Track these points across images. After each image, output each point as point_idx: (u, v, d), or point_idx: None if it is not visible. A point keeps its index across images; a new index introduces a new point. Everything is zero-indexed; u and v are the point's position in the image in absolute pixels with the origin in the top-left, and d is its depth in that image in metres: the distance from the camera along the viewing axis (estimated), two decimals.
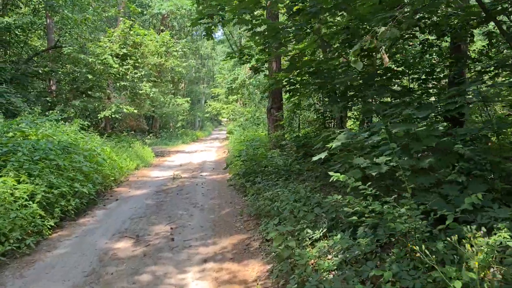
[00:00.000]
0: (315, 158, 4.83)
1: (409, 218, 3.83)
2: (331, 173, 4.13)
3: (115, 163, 13.08)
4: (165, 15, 32.10)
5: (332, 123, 13.22)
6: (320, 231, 5.19)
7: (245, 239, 6.74)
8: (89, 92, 20.72)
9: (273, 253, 5.25)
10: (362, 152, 4.92)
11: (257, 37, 8.63)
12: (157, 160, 19.88)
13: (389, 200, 4.10)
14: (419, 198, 4.32)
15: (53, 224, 7.57)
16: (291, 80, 9.76)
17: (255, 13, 8.31)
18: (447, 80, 9.37)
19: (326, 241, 5.04)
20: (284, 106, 15.42)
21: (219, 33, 74.40)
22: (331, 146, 4.64)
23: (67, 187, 8.67)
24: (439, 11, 7.74)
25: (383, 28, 3.95)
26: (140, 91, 19.48)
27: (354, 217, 4.20)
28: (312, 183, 8.79)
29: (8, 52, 19.37)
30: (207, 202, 9.74)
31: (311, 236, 5.24)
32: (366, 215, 4.19)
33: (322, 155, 4.73)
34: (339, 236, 4.74)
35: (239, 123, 32.34)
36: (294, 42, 9.36)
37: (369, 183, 4.22)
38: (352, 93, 8.26)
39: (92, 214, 8.94)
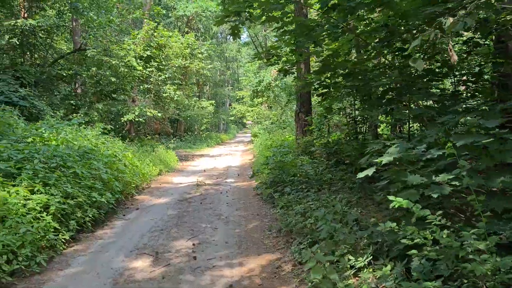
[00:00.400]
0: (361, 175, 4.08)
1: (483, 254, 3.06)
2: (390, 197, 3.39)
3: (136, 169, 12.56)
4: (190, 17, 31.72)
5: (364, 129, 12.39)
6: (364, 258, 4.44)
7: (274, 260, 6.03)
8: (113, 95, 20.38)
9: (310, 283, 4.51)
10: (415, 167, 4.14)
11: (287, 36, 7.92)
12: (181, 164, 19.36)
13: (454, 229, 3.33)
14: (490, 226, 3.53)
15: (68, 238, 7.02)
16: (323, 82, 9.01)
17: (286, 9, 7.60)
18: (490, 82, 8.45)
19: (371, 271, 4.28)
20: (312, 110, 14.65)
21: (244, 36, 74.20)
22: (380, 162, 3.89)
23: (84, 197, 8.13)
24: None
25: (451, 19, 3.20)
26: (164, 94, 18.99)
27: (413, 251, 3.44)
28: (346, 195, 8.02)
29: (34, 55, 19.20)
30: (232, 214, 9.07)
31: (353, 263, 4.50)
32: (427, 247, 3.43)
33: (370, 172, 3.99)
34: (388, 267, 3.98)
35: (264, 126, 31.67)
36: (326, 41, 8.61)
37: (438, 212, 3.45)
38: (390, 96, 7.45)
39: (111, 225, 8.38)
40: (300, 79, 14.18)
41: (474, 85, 8.00)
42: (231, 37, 7.98)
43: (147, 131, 29.44)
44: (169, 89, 18.80)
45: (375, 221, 4.16)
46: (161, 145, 20.50)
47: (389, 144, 4.18)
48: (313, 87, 9.22)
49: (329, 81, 8.81)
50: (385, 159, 3.82)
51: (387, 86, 7.00)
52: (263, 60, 9.29)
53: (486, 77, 8.48)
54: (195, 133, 37.33)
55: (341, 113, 12.79)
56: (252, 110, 35.42)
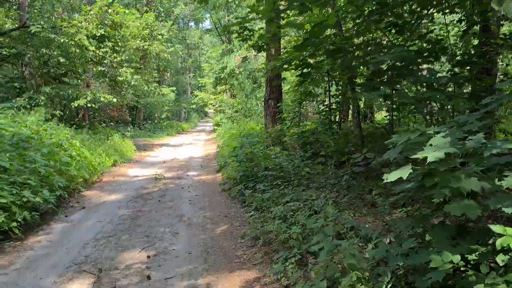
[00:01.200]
0: (391, 178, 2.80)
1: None
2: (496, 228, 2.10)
3: (85, 161, 10.90)
4: None
5: (338, 117, 11.23)
6: None
7: (252, 280, 4.70)
8: (64, 78, 18.37)
9: None
10: (467, 168, 2.89)
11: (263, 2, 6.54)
12: (138, 154, 17.68)
13: None
14: None
15: None
16: (302, 62, 7.68)
17: None
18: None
19: None
20: (283, 96, 13.37)
21: (206, 23, 72.06)
22: (423, 157, 2.62)
23: (12, 196, 6.52)
24: None
25: None
26: (120, 78, 17.20)
27: None
28: (331, 194, 6.79)
29: None
30: (196, 214, 7.67)
31: None
32: None
33: (405, 173, 2.71)
34: None
35: (227, 114, 30.20)
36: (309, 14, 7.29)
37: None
38: (388, 77, 6.23)
39: (47, 230, 6.82)
40: (269, 60, 12.86)
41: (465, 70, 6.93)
42: (197, 2, 6.50)
43: (103, 119, 27.40)
44: (125, 72, 17.01)
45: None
46: (117, 133, 18.70)
47: (430, 132, 2.91)
48: (289, 67, 7.85)
49: (309, 59, 7.49)
50: (430, 154, 2.55)
51: (388, 64, 5.77)
52: (234, 33, 7.87)
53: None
54: (155, 121, 35.37)
55: (314, 99, 11.57)
56: (214, 98, 33.81)
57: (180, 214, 7.73)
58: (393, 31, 6.97)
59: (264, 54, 30.73)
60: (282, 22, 7.32)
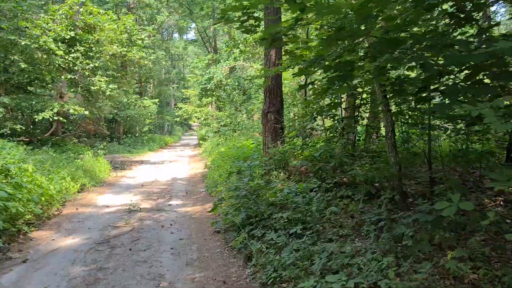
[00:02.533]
0: None
1: None
2: None
3: (39, 190, 8.46)
4: (131, 5, 27.36)
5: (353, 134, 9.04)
6: None
7: None
8: (30, 88, 15.92)
9: None
10: None
11: None
12: (114, 175, 15.21)
13: None
14: None
15: None
16: (338, 59, 5.41)
17: None
18: None
19: None
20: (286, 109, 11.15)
21: (191, 34, 69.99)
22: None
23: None
24: None
25: None
26: (93, 87, 14.79)
27: None
28: (374, 247, 4.56)
29: None
30: (182, 276, 5.31)
31: None
32: None
33: None
34: None
35: (214, 128, 27.91)
36: None
37: None
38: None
39: None
40: (269, 66, 10.66)
41: None
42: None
43: (79, 133, 24.85)
44: (99, 81, 14.62)
45: None
46: (90, 150, 16.22)
47: None
48: (315, 69, 5.59)
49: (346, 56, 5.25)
50: None
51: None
52: (234, 23, 5.62)
53: None
54: (136, 135, 32.86)
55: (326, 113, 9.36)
56: (200, 111, 31.48)
57: (158, 274, 5.37)
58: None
59: (254, 64, 28.61)
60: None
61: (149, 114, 30.48)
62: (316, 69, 5.16)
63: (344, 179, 7.64)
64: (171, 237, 7.09)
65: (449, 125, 8.25)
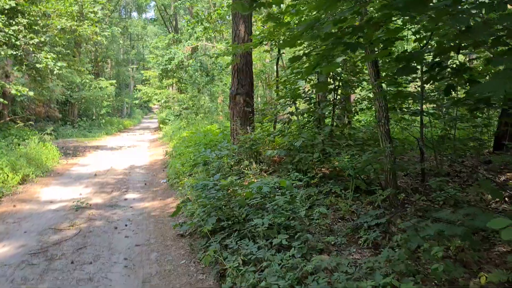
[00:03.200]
0: None
1: None
2: None
3: None
4: None
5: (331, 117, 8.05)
6: None
7: None
8: None
9: None
10: None
11: None
12: (63, 163, 13.65)
13: None
14: None
15: None
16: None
17: None
18: None
19: None
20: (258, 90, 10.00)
21: (151, 14, 67.17)
22: None
23: None
24: None
25: None
26: (39, 65, 13.08)
27: None
28: (383, 266, 3.56)
29: None
30: None
31: None
32: None
33: None
34: None
35: (175, 111, 26.41)
36: None
37: None
38: None
39: None
40: (238, 42, 9.45)
41: None
42: None
43: (27, 116, 22.79)
44: (45, 58, 12.93)
45: None
46: (38, 135, 14.50)
47: None
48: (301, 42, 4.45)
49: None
50: None
51: None
52: None
53: None
54: (93, 118, 30.80)
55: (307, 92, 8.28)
56: (160, 93, 29.79)
57: None
58: None
59: (217, 45, 27.15)
60: None
61: (106, 96, 28.52)
62: (308, 37, 4.01)
63: (326, 170, 6.64)
64: (125, 242, 5.87)
65: (439, 110, 7.39)
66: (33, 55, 13.09)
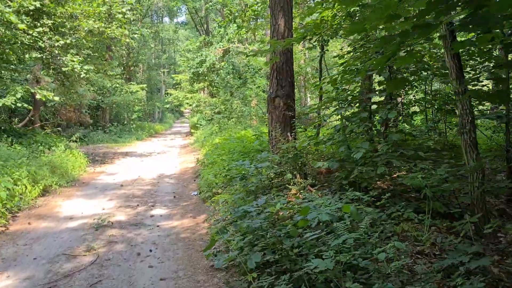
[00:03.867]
0: None
1: None
2: None
3: None
4: None
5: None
6: None
7: None
8: None
9: None
10: None
11: None
12: (90, 171, 12.91)
13: None
14: None
15: None
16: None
17: None
18: None
19: None
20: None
21: (182, 18, 67.19)
22: None
23: None
24: None
25: None
26: (65, 69, 12.38)
27: None
28: None
29: None
30: None
31: None
32: None
33: None
34: None
35: (206, 116, 25.59)
36: None
37: None
38: None
39: None
40: (277, 38, 8.36)
41: None
42: None
43: (58, 122, 22.43)
44: (71, 61, 12.22)
45: None
46: (64, 141, 13.81)
47: None
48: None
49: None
50: None
51: None
52: None
53: None
54: (124, 122, 30.38)
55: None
56: (191, 97, 29.06)
57: None
58: None
59: (250, 46, 26.18)
60: None
61: (137, 100, 28.00)
62: (385, 17, 2.88)
63: (384, 186, 5.45)
64: (148, 274, 4.86)
65: None
66: (58, 58, 12.41)
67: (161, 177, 11.80)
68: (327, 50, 9.48)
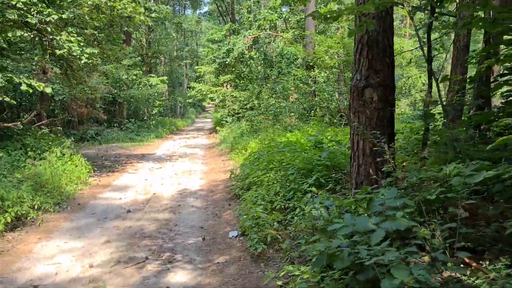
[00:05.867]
0: None
1: None
2: None
3: None
4: None
5: None
6: None
7: None
8: None
9: None
10: None
11: None
12: (93, 183, 9.92)
13: None
14: None
15: None
16: None
17: None
18: None
19: None
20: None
21: (205, 9, 64.23)
22: None
23: None
24: None
25: None
26: (59, 52, 9.27)
27: None
28: None
29: None
30: None
31: None
32: None
33: None
34: None
35: (232, 112, 22.46)
36: None
37: None
38: None
39: None
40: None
41: None
42: None
43: (67, 118, 19.63)
44: (68, 41, 9.14)
45: None
46: (60, 145, 10.80)
47: None
48: None
49: None
50: None
51: None
52: None
53: None
54: (145, 118, 27.42)
55: None
56: (216, 91, 25.91)
57: None
58: None
59: (283, 34, 22.85)
60: None
61: (156, 94, 24.99)
62: None
63: None
64: None
65: None
66: (51, 38, 9.39)
67: (183, 195, 8.68)
68: (438, 15, 6.17)
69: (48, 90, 9.16)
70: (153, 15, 12.15)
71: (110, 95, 22.09)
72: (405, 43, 23.21)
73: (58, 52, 9.36)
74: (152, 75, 26.74)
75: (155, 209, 7.60)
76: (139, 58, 25.24)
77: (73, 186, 9.04)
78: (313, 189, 5.86)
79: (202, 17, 51.55)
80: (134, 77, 21.48)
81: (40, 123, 15.22)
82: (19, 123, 12.16)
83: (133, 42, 28.96)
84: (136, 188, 9.43)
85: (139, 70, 24.95)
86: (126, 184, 10.00)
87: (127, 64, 19.32)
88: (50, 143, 10.48)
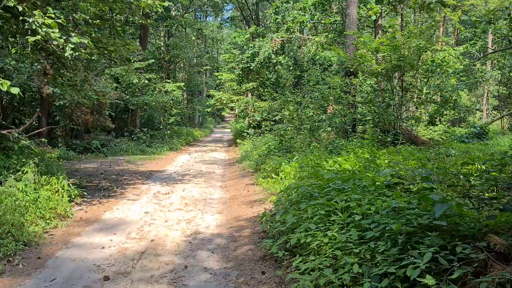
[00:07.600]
0: None
1: None
2: None
3: None
4: None
5: None
6: None
7: None
8: None
9: None
10: None
11: None
12: (76, 216, 7.27)
13: None
14: None
15: None
16: None
17: None
18: None
19: None
20: None
21: (226, 15, 62.12)
22: None
23: None
24: None
25: None
26: (31, 38, 6.70)
27: None
28: None
29: None
30: None
31: None
32: None
33: None
34: None
35: (255, 122, 19.77)
36: None
37: None
38: None
39: None
40: None
41: None
42: None
43: (70, 126, 17.27)
44: (44, 25, 6.50)
45: None
46: (34, 165, 8.19)
47: None
48: None
49: None
50: None
51: None
52: None
53: None
54: (161, 127, 24.93)
55: None
56: (237, 100, 23.29)
57: None
58: None
59: (316, 37, 20.12)
60: None
61: (171, 101, 22.46)
62: None
63: None
64: None
65: None
66: (20, 18, 6.81)
67: (193, 245, 5.93)
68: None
69: (14, 90, 6.52)
70: (166, 2, 9.54)
71: (122, 101, 19.65)
72: (452, 52, 20.19)
73: (30, 39, 6.75)
74: (168, 80, 24.26)
75: (149, 274, 4.86)
76: (153, 61, 22.78)
77: (42, 224, 6.40)
78: (429, 280, 3.07)
79: (224, 23, 49.38)
80: (147, 81, 18.97)
81: (37, 131, 12.82)
82: (13, 130, 9.66)
83: (150, 46, 26.66)
84: (130, 228, 6.74)
85: (155, 74, 22.51)
86: (120, 219, 7.33)
87: (140, 67, 16.84)
88: (23, 161, 7.85)
